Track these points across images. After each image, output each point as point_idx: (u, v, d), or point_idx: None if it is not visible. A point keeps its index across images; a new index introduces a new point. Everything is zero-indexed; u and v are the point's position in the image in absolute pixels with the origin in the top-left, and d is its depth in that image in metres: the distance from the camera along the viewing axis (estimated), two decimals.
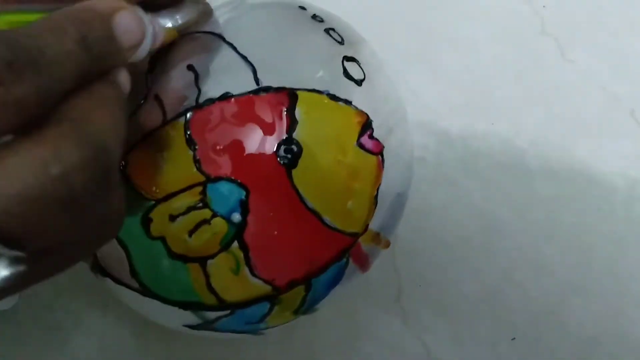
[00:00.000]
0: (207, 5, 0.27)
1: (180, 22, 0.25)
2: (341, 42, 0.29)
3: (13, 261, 0.16)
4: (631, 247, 0.43)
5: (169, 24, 0.25)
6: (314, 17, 0.29)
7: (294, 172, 0.25)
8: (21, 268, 0.16)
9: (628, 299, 0.42)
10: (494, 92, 0.47)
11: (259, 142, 0.25)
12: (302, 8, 0.29)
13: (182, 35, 0.26)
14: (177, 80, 0.25)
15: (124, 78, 0.19)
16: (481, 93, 0.47)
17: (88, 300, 0.40)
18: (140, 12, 0.20)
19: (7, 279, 0.16)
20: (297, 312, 0.29)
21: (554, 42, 0.48)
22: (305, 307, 0.29)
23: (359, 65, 0.28)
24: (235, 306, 0.27)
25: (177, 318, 0.28)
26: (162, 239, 0.25)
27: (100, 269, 0.28)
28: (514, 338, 0.42)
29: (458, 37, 0.49)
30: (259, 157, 0.25)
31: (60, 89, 0.17)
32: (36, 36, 0.16)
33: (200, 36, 0.26)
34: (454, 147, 0.46)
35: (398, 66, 0.47)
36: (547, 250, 0.43)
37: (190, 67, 0.26)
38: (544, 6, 0.50)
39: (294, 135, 0.25)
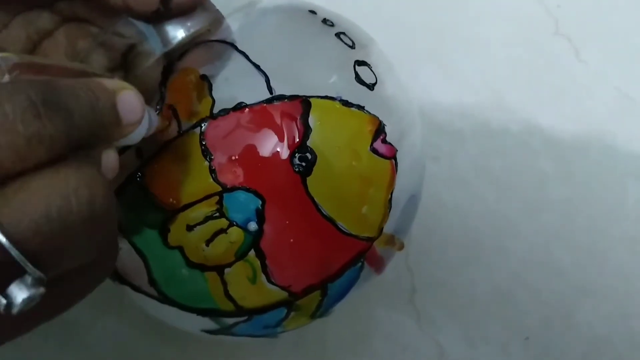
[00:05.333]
0: (218, 12, 0.27)
1: (191, 30, 0.25)
2: (352, 46, 0.29)
3: (36, 282, 0.16)
4: None
5: (182, 33, 0.25)
6: (325, 21, 0.29)
7: (309, 179, 0.25)
8: (41, 291, 0.16)
9: (639, 301, 0.42)
10: (508, 93, 0.47)
11: (273, 151, 0.25)
12: (313, 12, 0.30)
13: (195, 44, 0.27)
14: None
15: (112, 159, 0.20)
16: (494, 93, 0.47)
17: (104, 297, 0.40)
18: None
19: (28, 301, 0.16)
20: (313, 315, 0.29)
21: (567, 43, 0.48)
22: (322, 310, 0.29)
23: (371, 69, 0.29)
24: (252, 312, 0.27)
25: (195, 324, 0.28)
26: (180, 249, 0.25)
27: (119, 277, 0.28)
28: (527, 338, 0.42)
29: (471, 38, 0.49)
30: (274, 166, 0.25)
31: (79, 139, 0.18)
32: (61, 90, 0.18)
33: (213, 45, 0.27)
34: (467, 148, 0.46)
35: (411, 66, 0.47)
36: (558, 252, 0.43)
37: (203, 77, 0.26)
38: (558, 6, 0.49)
39: (308, 143, 0.25)
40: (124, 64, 0.27)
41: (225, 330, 0.29)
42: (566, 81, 0.47)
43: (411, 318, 0.42)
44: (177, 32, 0.25)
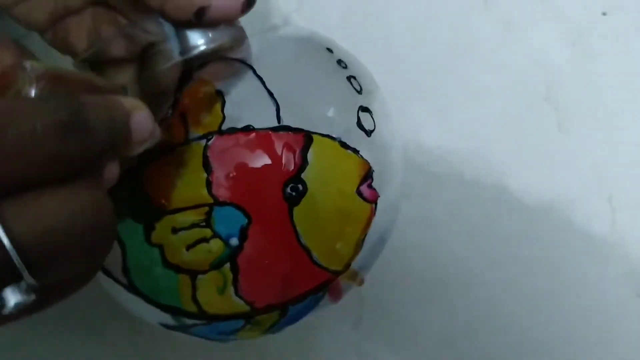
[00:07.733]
0: (242, 31, 0.28)
1: (212, 42, 0.26)
2: (359, 92, 0.30)
3: (28, 289, 0.17)
4: (593, 323, 0.45)
5: (202, 43, 0.26)
6: (339, 62, 0.31)
7: (296, 209, 0.27)
8: (32, 298, 0.17)
9: None
10: (490, 146, 0.48)
11: (269, 176, 0.26)
12: (330, 50, 0.31)
13: (216, 57, 0.28)
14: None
15: (114, 171, 0.21)
16: (477, 144, 0.48)
17: None
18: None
19: (18, 307, 0.17)
20: (266, 331, 0.31)
21: (553, 111, 0.50)
22: (275, 328, 0.31)
23: (371, 116, 0.30)
24: (213, 318, 0.28)
25: (155, 316, 0.29)
26: (160, 247, 0.26)
27: None
28: None
29: (470, 85, 0.49)
30: (267, 190, 0.26)
31: (93, 158, 0.19)
32: (87, 110, 0.18)
33: (232, 63, 0.28)
34: (440, 192, 0.47)
35: (405, 102, 0.48)
36: (508, 309, 0.45)
37: (218, 92, 0.27)
38: (555, 72, 0.51)
39: (302, 175, 0.27)
40: (140, 59, 0.27)
41: (183, 329, 0.30)
42: (545, 147, 0.48)
43: (351, 345, 0.44)
44: (199, 41, 0.26)
